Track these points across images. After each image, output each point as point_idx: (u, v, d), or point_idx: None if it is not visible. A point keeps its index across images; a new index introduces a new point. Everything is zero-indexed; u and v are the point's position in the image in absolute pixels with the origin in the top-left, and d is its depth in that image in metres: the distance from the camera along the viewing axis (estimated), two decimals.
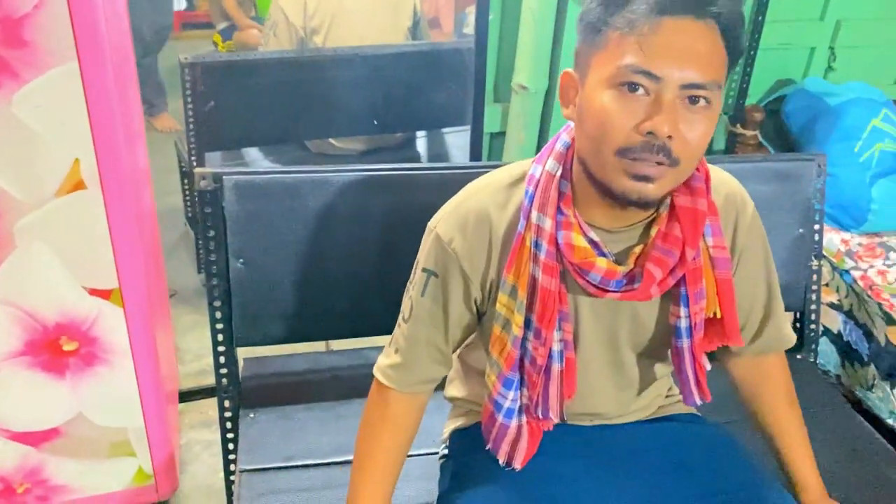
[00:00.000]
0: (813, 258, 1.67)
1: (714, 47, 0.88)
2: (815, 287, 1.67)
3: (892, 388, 1.79)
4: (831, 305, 1.98)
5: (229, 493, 1.53)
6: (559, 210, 0.97)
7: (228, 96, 2.21)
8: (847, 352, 1.94)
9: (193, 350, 2.23)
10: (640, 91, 0.87)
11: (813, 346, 1.71)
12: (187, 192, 2.72)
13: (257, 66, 2.26)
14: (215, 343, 1.45)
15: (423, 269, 1.06)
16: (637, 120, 0.87)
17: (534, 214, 0.98)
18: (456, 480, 1.15)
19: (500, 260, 1.03)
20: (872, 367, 1.85)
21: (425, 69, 2.30)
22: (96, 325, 1.43)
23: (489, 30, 1.89)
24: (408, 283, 1.10)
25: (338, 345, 1.83)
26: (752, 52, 2.32)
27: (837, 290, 1.98)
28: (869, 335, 1.86)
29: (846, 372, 1.94)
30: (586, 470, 1.13)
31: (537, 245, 0.98)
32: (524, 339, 1.02)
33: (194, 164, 2.30)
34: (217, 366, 1.45)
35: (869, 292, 1.87)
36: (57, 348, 1.43)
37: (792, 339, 1.21)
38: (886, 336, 1.81)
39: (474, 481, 1.11)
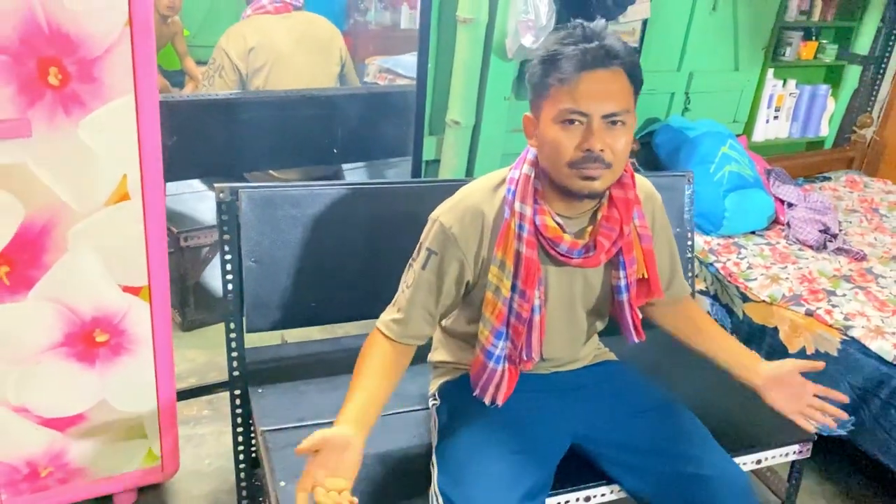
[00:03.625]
0: (689, 251, 2.15)
1: (622, 85, 1.28)
2: (690, 274, 2.15)
3: None
4: (701, 292, 2.45)
5: (237, 460, 1.76)
6: (535, 200, 1.35)
7: (190, 131, 2.38)
8: None
9: None
10: (576, 123, 1.27)
11: None
12: None
13: (217, 104, 2.45)
14: (228, 330, 1.71)
15: (427, 249, 1.37)
16: (577, 142, 1.27)
17: (517, 205, 1.34)
18: (452, 416, 1.47)
19: (490, 242, 1.37)
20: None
21: (374, 108, 2.58)
22: (126, 318, 1.64)
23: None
24: (410, 261, 1.40)
25: (290, 336, 2.10)
26: None
27: (705, 280, 2.46)
28: (731, 312, 2.34)
29: None
30: (547, 402, 1.49)
31: (521, 227, 1.33)
32: (511, 300, 1.36)
33: None
34: (229, 350, 1.72)
35: (729, 279, 2.37)
36: (91, 340, 1.62)
37: (689, 288, 1.65)
38: (744, 311, 2.29)
39: (467, 414, 1.44)
